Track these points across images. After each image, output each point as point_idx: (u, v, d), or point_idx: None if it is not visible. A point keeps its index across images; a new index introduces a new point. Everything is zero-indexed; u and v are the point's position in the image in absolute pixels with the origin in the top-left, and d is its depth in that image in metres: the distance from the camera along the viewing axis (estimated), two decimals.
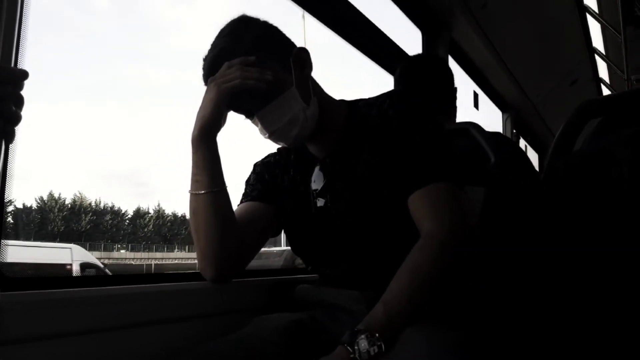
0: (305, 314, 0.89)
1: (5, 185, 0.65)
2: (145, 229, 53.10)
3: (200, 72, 0.91)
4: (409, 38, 2.24)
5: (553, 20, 2.93)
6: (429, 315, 0.73)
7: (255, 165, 1.07)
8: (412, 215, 0.81)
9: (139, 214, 54.39)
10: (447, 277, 0.76)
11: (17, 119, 0.57)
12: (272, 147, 1.00)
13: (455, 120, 1.40)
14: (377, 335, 0.67)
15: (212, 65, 0.87)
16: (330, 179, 0.92)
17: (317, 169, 0.94)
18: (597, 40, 3.49)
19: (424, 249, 0.76)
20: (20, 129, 0.60)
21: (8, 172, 0.63)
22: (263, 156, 1.07)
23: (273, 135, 0.89)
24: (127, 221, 54.24)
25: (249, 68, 0.84)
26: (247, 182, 1.05)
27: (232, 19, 0.91)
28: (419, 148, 0.83)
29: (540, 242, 1.12)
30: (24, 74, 0.58)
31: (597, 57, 3.71)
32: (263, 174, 1.03)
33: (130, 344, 0.78)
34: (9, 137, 0.57)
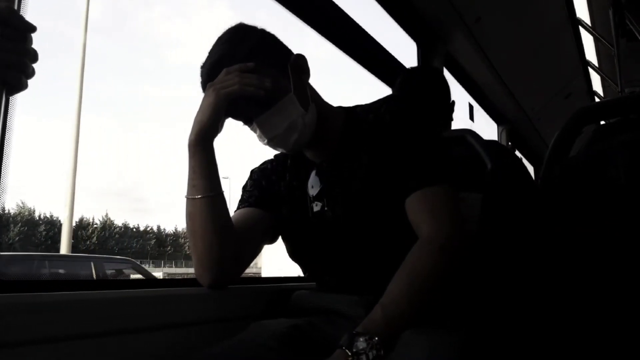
0: (302, 319, 0.88)
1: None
2: (88, 242, 49.05)
3: (199, 80, 0.91)
4: (404, 50, 2.26)
5: (547, 34, 2.98)
6: (428, 317, 0.72)
7: (252, 171, 1.07)
8: (410, 218, 0.81)
9: (81, 224, 50.24)
10: (446, 280, 0.75)
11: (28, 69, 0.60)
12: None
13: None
14: (375, 338, 0.66)
15: (211, 71, 0.88)
16: (327, 184, 0.92)
17: (313, 173, 0.94)
18: (591, 53, 3.55)
19: (422, 252, 0.75)
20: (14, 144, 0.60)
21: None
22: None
23: (272, 142, 0.89)
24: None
25: (247, 74, 0.84)
26: (244, 188, 1.04)
27: (229, 27, 0.92)
28: (415, 151, 0.84)
29: (537, 246, 1.12)
30: (32, 27, 0.61)
31: (590, 70, 3.76)
32: (260, 181, 1.03)
33: (125, 349, 0.77)
34: (17, 86, 0.60)
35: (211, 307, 0.92)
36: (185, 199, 0.89)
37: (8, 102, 0.62)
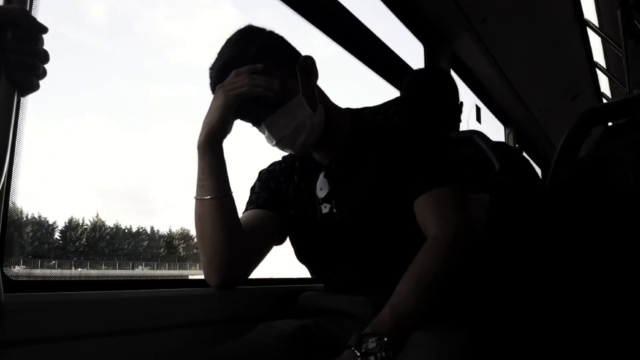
0: (310, 320, 0.89)
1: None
2: (77, 243, 48.36)
3: (207, 82, 0.92)
4: (411, 51, 2.26)
5: (554, 35, 2.96)
6: (437, 317, 0.72)
7: (261, 173, 1.07)
8: (418, 219, 0.81)
9: (70, 225, 49.53)
10: (454, 280, 0.75)
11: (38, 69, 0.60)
12: None
13: None
14: (385, 338, 0.66)
15: (220, 72, 0.88)
16: (335, 185, 0.92)
17: (321, 175, 0.94)
18: (598, 54, 3.52)
19: (430, 252, 0.76)
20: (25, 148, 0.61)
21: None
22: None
23: (280, 143, 0.90)
24: (59, 234, 49.33)
25: (256, 76, 0.85)
26: (252, 189, 1.05)
27: (238, 28, 0.93)
28: (423, 153, 0.84)
29: (545, 247, 1.11)
30: (43, 28, 0.61)
31: (598, 71, 3.74)
32: (268, 182, 1.03)
33: (134, 349, 0.77)
34: (29, 87, 0.60)
35: (219, 307, 0.92)
36: (194, 200, 0.90)
37: (19, 103, 0.62)
